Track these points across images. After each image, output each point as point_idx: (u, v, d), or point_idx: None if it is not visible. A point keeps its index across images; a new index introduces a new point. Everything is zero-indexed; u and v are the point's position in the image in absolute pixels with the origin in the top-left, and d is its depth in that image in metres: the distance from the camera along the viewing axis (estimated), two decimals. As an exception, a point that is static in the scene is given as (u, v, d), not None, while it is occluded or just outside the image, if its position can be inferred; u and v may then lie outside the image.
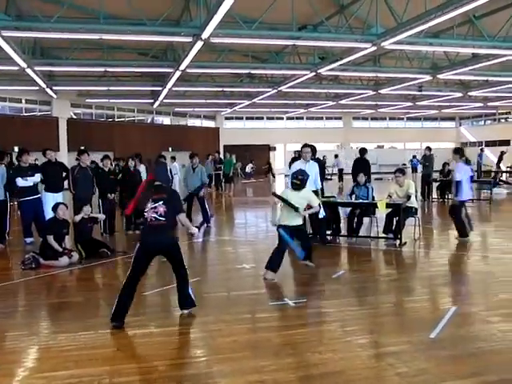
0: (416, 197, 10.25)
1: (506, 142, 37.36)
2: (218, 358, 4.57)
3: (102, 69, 19.78)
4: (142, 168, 14.66)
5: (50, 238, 8.42)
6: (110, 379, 4.13)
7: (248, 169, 34.36)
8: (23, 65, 16.40)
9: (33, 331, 5.36)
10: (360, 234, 10.39)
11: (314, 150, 10.74)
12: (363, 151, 12.76)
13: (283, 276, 6.29)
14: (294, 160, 13.15)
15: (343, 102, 30.24)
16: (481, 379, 4.05)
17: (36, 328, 5.50)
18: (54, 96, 24.93)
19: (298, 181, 7.46)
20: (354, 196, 10.82)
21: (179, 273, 5.73)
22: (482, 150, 30.31)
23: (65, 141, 26.98)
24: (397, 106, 34.29)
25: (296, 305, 6.01)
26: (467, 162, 10.77)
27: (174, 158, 21.11)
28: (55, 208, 8.77)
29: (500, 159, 29.40)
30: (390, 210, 10.04)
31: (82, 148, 12.59)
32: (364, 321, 5.52)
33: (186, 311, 5.72)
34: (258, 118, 40.18)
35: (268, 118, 40.45)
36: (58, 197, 10.42)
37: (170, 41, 16.43)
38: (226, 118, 39.54)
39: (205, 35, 12.70)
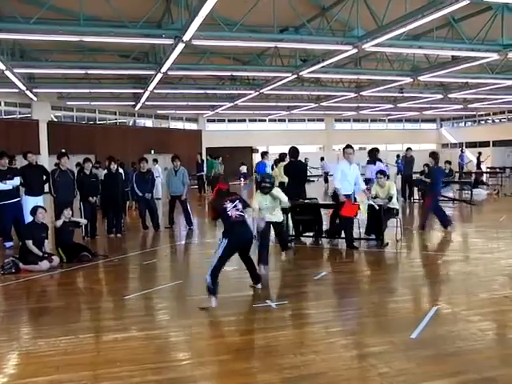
0: (397, 198, 10.33)
1: (485, 144, 37.86)
2: (200, 361, 4.55)
3: (82, 71, 19.60)
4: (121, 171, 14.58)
5: (29, 243, 8.32)
6: (91, 384, 4.09)
7: (244, 169, 34.28)
8: (2, 67, 16.20)
9: (13, 337, 5.29)
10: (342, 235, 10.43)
11: (296, 151, 10.78)
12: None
13: (272, 277, 6.35)
14: (276, 162, 13.17)
15: (325, 104, 30.37)
16: (462, 378, 4.08)
17: (16, 333, 5.43)
18: (34, 98, 24.67)
19: (269, 183, 7.61)
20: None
21: (248, 259, 6.61)
22: (462, 151, 30.66)
23: (45, 144, 26.69)
24: (378, 108, 34.52)
25: (278, 307, 6.02)
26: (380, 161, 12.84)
27: (155, 161, 21.01)
28: (34, 211, 8.67)
29: (479, 160, 29.83)
30: (371, 211, 10.09)
31: (63, 151, 12.47)
32: (346, 322, 5.54)
33: (259, 285, 6.69)
34: (240, 121, 40.17)
35: (250, 121, 40.44)
36: (38, 200, 10.30)
37: (152, 43, 16.36)
38: (209, 121, 39.46)
39: (186, 37, 12.68)
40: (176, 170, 12.56)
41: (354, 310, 5.98)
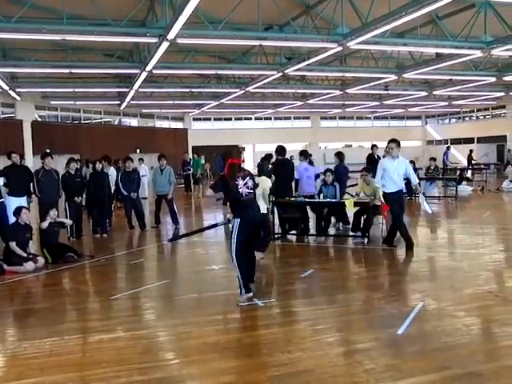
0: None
1: (470, 140, 38.16)
2: (187, 361, 4.54)
3: (66, 70, 19.39)
4: (112, 170, 14.49)
5: (13, 245, 8.23)
6: (77, 385, 4.06)
7: None
8: (-16, 67, 16.03)
9: (-3, 339, 5.24)
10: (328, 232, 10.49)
11: (283, 149, 10.79)
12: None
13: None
14: (263, 160, 13.15)
15: (311, 101, 30.40)
16: (447, 373, 4.11)
17: (1, 336, 5.38)
18: (18, 98, 24.40)
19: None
20: (321, 195, 10.90)
21: (251, 252, 6.42)
22: (448, 148, 30.86)
23: (30, 144, 26.43)
24: (364, 106, 34.63)
25: (265, 305, 6.01)
26: (311, 162, 12.61)
27: (141, 160, 20.90)
28: (18, 212, 8.59)
29: (470, 158, 30.11)
30: (357, 208, 10.15)
31: (47, 151, 12.38)
32: (333, 319, 5.55)
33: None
34: (226, 119, 40.12)
35: (236, 119, 40.41)
36: (21, 201, 10.18)
37: (136, 41, 16.26)
38: (194, 119, 39.37)
39: (170, 36, 12.61)
40: (162, 169, 12.52)
41: (341, 307, 5.99)
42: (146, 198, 18.33)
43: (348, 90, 25.91)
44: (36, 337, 5.14)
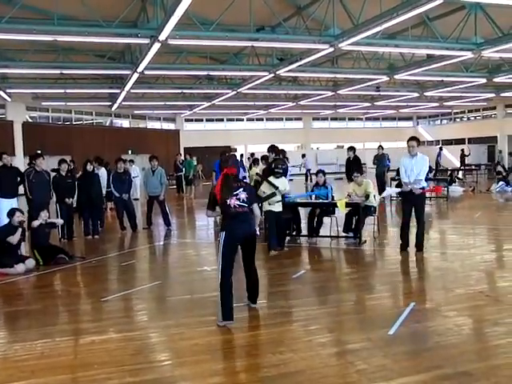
0: (374, 196, 10.41)
1: (461, 141, 38.34)
2: (179, 362, 4.54)
3: (57, 71, 19.33)
4: (103, 171, 14.43)
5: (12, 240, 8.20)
6: (68, 388, 4.05)
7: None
8: (-26, 67, 15.93)
9: (-13, 341, 5.21)
10: (320, 233, 10.49)
11: (277, 150, 10.80)
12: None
13: (243, 277, 6.29)
14: (254, 162, 13.14)
15: (303, 102, 30.42)
16: (438, 373, 4.12)
17: (-9, 338, 5.35)
18: (9, 99, 24.25)
19: (281, 169, 9.28)
20: (313, 196, 10.91)
21: (251, 268, 5.81)
22: (440, 148, 31.06)
23: (20, 145, 26.30)
24: (356, 107, 34.73)
25: (257, 306, 6.01)
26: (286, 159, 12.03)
27: (132, 161, 20.79)
28: (11, 214, 8.52)
29: (462, 158, 30.30)
30: (349, 209, 10.16)
31: (38, 152, 12.31)
32: (324, 320, 5.56)
33: (257, 305, 5.92)
34: (218, 120, 40.09)
35: (228, 120, 40.40)
36: (12, 202, 10.13)
37: (127, 42, 16.23)
38: (186, 120, 39.29)
39: (162, 37, 12.59)
40: (154, 170, 12.50)
41: (332, 307, 6.00)
42: (137, 199, 18.30)
43: (340, 91, 25.96)
44: (27, 339, 5.12)
